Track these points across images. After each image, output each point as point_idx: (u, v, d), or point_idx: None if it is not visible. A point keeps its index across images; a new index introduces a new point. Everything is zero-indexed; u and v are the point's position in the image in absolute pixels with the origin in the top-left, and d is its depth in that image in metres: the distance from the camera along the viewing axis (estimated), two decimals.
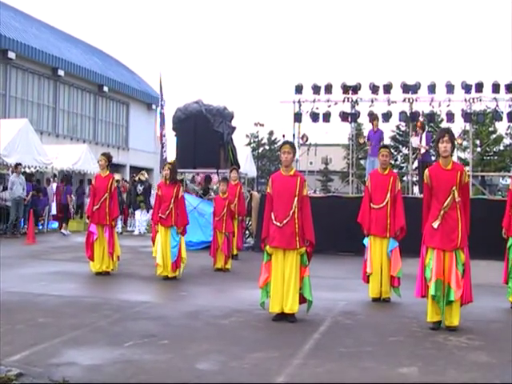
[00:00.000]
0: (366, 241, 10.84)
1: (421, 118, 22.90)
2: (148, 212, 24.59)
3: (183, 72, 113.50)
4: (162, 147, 22.88)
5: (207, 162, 21.22)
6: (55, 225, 26.95)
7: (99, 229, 13.29)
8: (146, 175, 26.63)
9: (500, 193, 30.76)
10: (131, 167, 46.06)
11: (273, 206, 8.98)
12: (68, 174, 27.97)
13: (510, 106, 22.01)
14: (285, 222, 8.81)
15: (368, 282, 10.79)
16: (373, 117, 21.86)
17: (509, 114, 22.20)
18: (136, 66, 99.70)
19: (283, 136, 27.53)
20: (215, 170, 21.46)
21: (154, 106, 49.74)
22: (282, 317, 8.80)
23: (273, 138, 73.17)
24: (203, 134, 21.42)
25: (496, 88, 21.62)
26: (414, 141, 21.52)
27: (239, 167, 21.27)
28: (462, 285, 8.32)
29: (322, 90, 22.70)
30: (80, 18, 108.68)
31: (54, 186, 27.05)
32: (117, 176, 22.66)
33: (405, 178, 26.47)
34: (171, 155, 22.44)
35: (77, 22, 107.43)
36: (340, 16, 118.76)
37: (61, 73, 39.51)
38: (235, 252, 16.19)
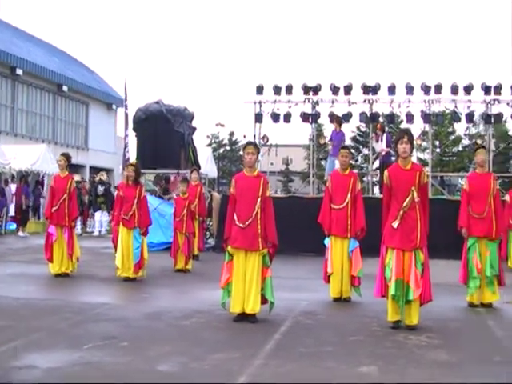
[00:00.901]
0: (327, 241, 10.89)
1: (381, 119, 23.08)
2: (108, 213, 24.42)
3: (144, 72, 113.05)
4: (125, 148, 22.76)
5: (168, 162, 21.17)
6: (13, 226, 26.60)
7: (58, 230, 13.14)
8: (106, 176, 26.43)
9: (459, 193, 31.01)
10: (91, 168, 45.62)
11: (236, 206, 8.98)
12: (25, 175, 27.61)
13: (468, 107, 22.31)
14: (247, 222, 8.82)
15: (329, 281, 10.85)
16: (335, 118, 21.96)
17: (467, 116, 22.51)
18: (96, 65, 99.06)
19: (244, 137, 27.62)
20: (176, 171, 21.39)
21: (114, 106, 49.36)
22: (243, 317, 8.80)
23: (234, 139, 73.03)
24: (164, 135, 21.36)
25: (455, 90, 21.89)
26: (377, 145, 21.63)
27: (200, 168, 21.23)
28: (421, 284, 8.41)
29: (283, 91, 22.75)
30: (40, 17, 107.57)
31: (13, 186, 26.68)
32: (76, 177, 22.42)
33: (365, 179, 26.62)
34: (133, 156, 22.33)
35: (37, 21, 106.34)
36: (300, 17, 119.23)
37: (19, 72, 39.00)
38: (196, 253, 16.17)
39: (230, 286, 8.90)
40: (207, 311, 9.48)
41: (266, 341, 7.68)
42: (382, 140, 20.85)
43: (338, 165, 11.41)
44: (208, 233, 21.04)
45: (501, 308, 10.36)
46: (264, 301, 8.94)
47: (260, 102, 23.13)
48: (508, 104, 22.20)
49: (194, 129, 22.93)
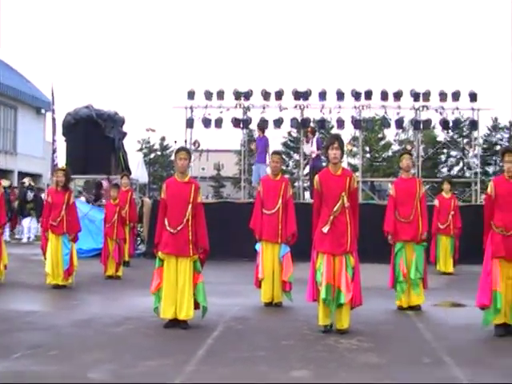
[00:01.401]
0: (258, 246, 10.92)
1: (312, 125, 23.27)
2: (38, 219, 24.00)
3: (73, 76, 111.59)
4: (53, 153, 22.43)
5: (98, 167, 20.94)
6: None
7: None
8: (32, 181, 25.97)
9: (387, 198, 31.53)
10: (19, 173, 44.79)
11: (166, 212, 8.94)
12: None
13: (397, 113, 22.70)
14: (178, 228, 8.78)
15: (260, 286, 10.88)
16: (258, 124, 22.07)
17: (397, 122, 22.89)
18: (25, 68, 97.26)
19: (175, 142, 27.49)
20: (106, 176, 21.17)
21: (43, 111, 48.56)
22: (175, 323, 8.76)
23: (165, 144, 72.59)
24: (94, 140, 21.15)
25: (384, 96, 22.24)
26: (306, 147, 21.83)
27: (130, 173, 21.10)
28: (351, 288, 8.49)
29: (214, 96, 22.76)
30: None
31: None
32: (4, 182, 21.99)
33: (296, 184, 26.80)
34: (62, 161, 22.01)
35: None
36: (230, 22, 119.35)
37: None
38: (127, 259, 16.02)
39: (161, 292, 8.85)
40: (138, 317, 9.40)
41: (198, 346, 7.65)
42: (312, 143, 21.05)
43: (263, 171, 11.46)
44: (139, 239, 20.87)
45: (429, 310, 10.54)
46: (196, 306, 8.91)
47: (191, 107, 23.08)
48: (436, 110, 22.67)
49: (125, 134, 22.76)
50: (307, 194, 23.35)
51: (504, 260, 8.51)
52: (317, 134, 22.00)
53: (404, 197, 10.70)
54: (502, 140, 76.01)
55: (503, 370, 6.95)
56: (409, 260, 10.54)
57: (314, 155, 20.84)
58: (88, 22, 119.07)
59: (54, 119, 23.33)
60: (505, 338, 8.41)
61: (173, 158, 9.51)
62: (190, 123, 23.11)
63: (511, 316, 8.53)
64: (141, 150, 67.63)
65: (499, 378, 6.65)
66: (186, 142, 23.08)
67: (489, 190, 8.85)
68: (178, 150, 9.27)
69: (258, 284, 10.93)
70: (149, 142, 69.27)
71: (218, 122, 22.93)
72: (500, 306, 8.41)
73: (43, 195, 23.67)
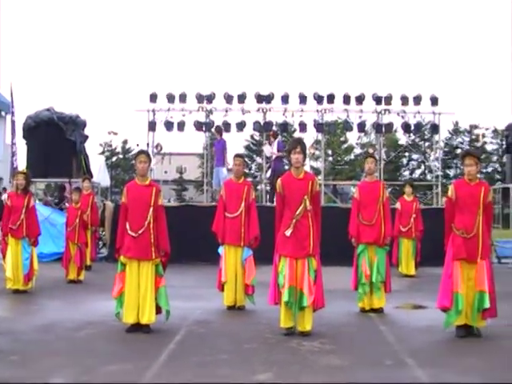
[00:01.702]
0: (221, 249, 10.91)
1: (274, 128, 23.30)
2: None
3: (34, 78, 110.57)
4: (13, 156, 22.17)
5: (59, 171, 20.74)
6: None
7: None
8: None
9: (351, 201, 31.75)
10: None
11: (128, 215, 8.89)
12: None
13: (360, 117, 22.80)
14: (140, 232, 8.75)
15: (223, 290, 10.86)
16: (216, 127, 22.06)
17: (359, 125, 23.00)
18: None
19: (137, 145, 27.34)
20: (67, 180, 20.98)
21: (2, 113, 48.02)
22: (137, 328, 8.71)
23: (127, 147, 72.25)
24: (55, 143, 20.93)
25: (347, 99, 22.34)
26: (267, 149, 21.87)
27: (92, 176, 20.95)
28: (314, 291, 8.52)
29: (177, 99, 22.64)
30: None
31: None
32: None
33: (259, 187, 26.81)
34: (22, 164, 21.78)
35: None
36: (192, 26, 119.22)
37: None
38: (88, 263, 15.90)
39: (123, 297, 8.79)
40: (100, 322, 9.33)
41: (160, 351, 7.61)
42: (273, 146, 21.08)
43: (224, 173, 11.46)
44: (101, 242, 20.73)
45: (392, 313, 10.60)
46: (158, 310, 8.87)
47: (153, 110, 22.94)
48: (398, 114, 22.82)
49: (87, 137, 22.57)
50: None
51: (465, 262, 8.60)
52: (279, 137, 22.06)
53: (367, 200, 10.76)
54: (462, 143, 76.93)
55: (464, 370, 7.02)
56: (371, 263, 10.60)
57: (274, 157, 20.88)
58: (48, 23, 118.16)
59: (13, 122, 23.04)
60: (466, 339, 8.50)
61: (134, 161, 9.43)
62: (152, 126, 22.99)
63: (472, 317, 8.62)
64: (103, 153, 67.21)
65: (460, 378, 6.72)
66: (148, 145, 22.94)
67: (449, 193, 8.94)
68: (138, 154, 9.23)
69: (221, 287, 10.90)
70: (111, 145, 68.87)
71: (181, 125, 22.83)
72: (461, 308, 8.49)
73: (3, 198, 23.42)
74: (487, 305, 8.52)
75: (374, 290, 10.61)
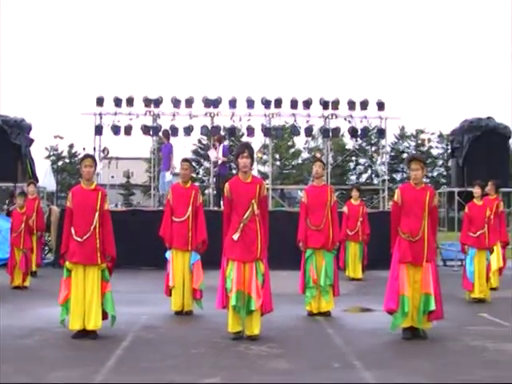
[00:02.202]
0: (168, 254, 10.86)
1: (222, 132, 23.28)
2: None
3: None
4: None
5: (4, 175, 20.41)
6: None
7: None
8: None
9: (298, 205, 31.85)
10: None
11: (73, 220, 8.79)
12: None
13: (307, 121, 22.91)
14: (85, 237, 8.66)
15: (170, 295, 10.81)
16: (163, 131, 21.97)
17: (306, 129, 23.11)
18: None
19: (84, 149, 26.94)
20: (12, 184, 20.67)
21: None
22: (83, 334, 8.62)
23: (73, 151, 71.46)
24: None
25: (294, 104, 22.43)
26: (212, 154, 21.85)
27: (37, 181, 20.65)
28: (261, 295, 8.53)
29: (124, 103, 22.46)
30: None
31: None
32: None
33: (206, 192, 26.76)
34: None
35: None
36: (138, 29, 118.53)
37: None
38: (34, 269, 15.65)
39: (69, 303, 8.69)
40: (46, 329, 9.20)
41: (108, 357, 7.53)
42: (218, 150, 21.08)
43: (168, 177, 11.40)
44: (46, 248, 20.44)
45: (339, 316, 10.67)
46: (104, 316, 8.79)
47: (100, 114, 22.72)
48: (345, 119, 22.99)
49: (32, 140, 22.25)
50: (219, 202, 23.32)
51: (411, 265, 8.71)
52: (225, 141, 22.05)
53: (315, 204, 10.79)
54: (408, 148, 77.88)
55: (410, 371, 7.11)
56: (319, 267, 10.65)
57: (219, 161, 20.88)
58: None
59: None
60: (412, 341, 8.61)
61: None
62: (98, 130, 22.77)
63: (418, 319, 8.73)
64: (48, 157, 66.39)
65: (406, 379, 6.79)
66: (94, 149, 22.72)
67: (395, 197, 9.04)
68: (84, 158, 9.16)
69: (168, 292, 10.85)
70: (57, 150, 68.10)
71: (128, 129, 22.66)
72: (407, 310, 8.59)
73: None
74: (433, 307, 8.64)
75: (322, 294, 10.66)
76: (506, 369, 7.14)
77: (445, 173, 73.33)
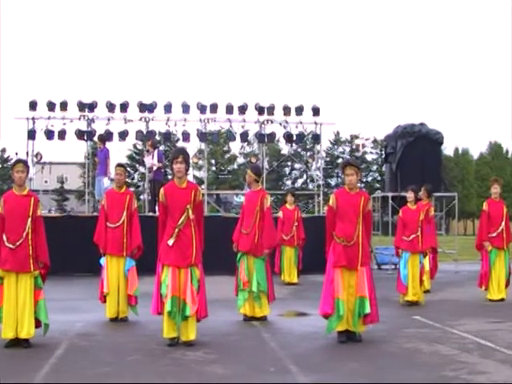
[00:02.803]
0: (103, 260, 10.75)
1: (157, 137, 23.13)
2: None
3: None
4: None
5: None
6: None
7: None
8: None
9: (234, 210, 31.99)
10: None
11: (5, 227, 8.62)
12: None
13: (242, 126, 22.94)
14: (18, 243, 8.51)
15: (105, 301, 10.70)
16: (99, 136, 21.71)
17: (242, 135, 23.13)
18: None
19: (16, 154, 26.51)
20: None
21: None
22: (16, 342, 8.46)
23: (6, 156, 70.30)
24: None
25: (230, 109, 22.43)
26: (148, 160, 21.68)
27: None
28: (197, 300, 8.50)
29: (58, 107, 22.13)
30: None
31: None
32: None
33: (142, 197, 26.58)
34: None
35: None
36: (71, 32, 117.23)
37: None
38: None
39: (1, 311, 8.51)
40: None
41: (41, 366, 7.41)
42: (152, 156, 20.97)
43: (106, 183, 11.28)
44: None
45: (275, 321, 10.71)
46: (37, 324, 8.64)
47: (33, 118, 22.34)
48: (280, 124, 23.09)
49: None
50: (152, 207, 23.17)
51: (345, 269, 8.79)
52: (159, 146, 21.91)
53: (249, 208, 10.84)
54: (343, 153, 78.79)
55: (346, 374, 7.17)
56: (251, 271, 10.66)
57: (154, 168, 20.78)
58: None
59: None
60: (347, 344, 8.68)
61: None
62: (31, 135, 22.38)
63: (353, 323, 8.81)
64: None
65: (342, 382, 6.83)
66: (27, 154, 22.31)
67: (330, 201, 9.12)
68: (16, 163, 8.98)
69: (103, 299, 10.74)
70: None
71: (62, 134, 22.32)
72: (342, 313, 8.66)
73: None
74: (368, 310, 8.74)
75: (254, 300, 10.67)
76: (438, 369, 7.25)
77: (379, 178, 74.46)
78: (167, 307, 8.42)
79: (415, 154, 21.16)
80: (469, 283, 16.01)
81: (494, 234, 13.18)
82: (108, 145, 21.43)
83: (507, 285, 13.29)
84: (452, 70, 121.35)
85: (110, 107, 22.18)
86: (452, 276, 18.90)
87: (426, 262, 13.79)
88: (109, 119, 22.36)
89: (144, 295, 10.45)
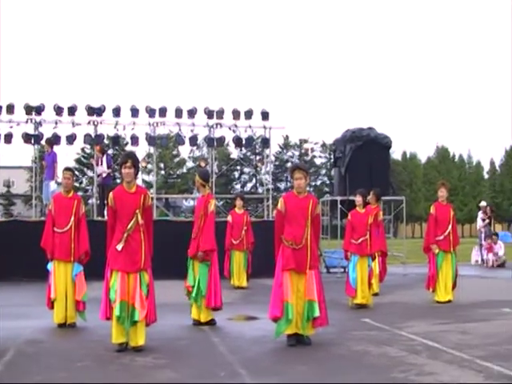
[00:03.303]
0: (50, 265, 10.63)
1: (106, 141, 22.95)
2: None
3: None
4: None
5: None
6: None
7: None
8: None
9: (183, 214, 31.94)
10: None
11: None
12: None
13: (192, 130, 22.88)
14: None
15: (53, 307, 10.58)
16: (46, 139, 21.46)
17: (191, 139, 23.08)
18: None
19: None
20: None
21: None
22: None
23: None
24: None
25: (179, 113, 22.37)
26: (99, 169, 21.46)
27: None
28: (146, 305, 8.47)
29: (4, 110, 21.79)
30: None
31: None
32: None
33: (90, 201, 26.34)
34: None
35: None
36: (15, 39, 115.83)
37: None
38: None
39: None
40: None
41: None
42: (101, 162, 20.81)
43: (52, 187, 11.16)
44: None
45: (224, 325, 10.70)
46: None
47: None
48: (230, 128, 23.09)
49: None
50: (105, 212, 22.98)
51: (294, 272, 8.83)
52: (107, 151, 21.74)
53: (196, 213, 10.97)
54: (292, 157, 79.28)
55: (294, 377, 7.20)
56: (195, 276, 10.66)
57: (104, 174, 20.62)
58: None
59: None
60: (297, 348, 8.72)
61: None
62: None
63: (302, 326, 8.85)
64: None
65: None
66: None
67: (279, 205, 9.15)
68: None
69: (51, 305, 10.62)
70: None
71: (8, 137, 21.96)
72: (291, 317, 8.69)
73: None
74: (317, 313, 8.79)
75: (197, 304, 10.65)
76: (387, 371, 7.33)
77: (328, 182, 75.03)
78: (116, 312, 8.36)
79: (364, 158, 21.35)
80: (417, 286, 16.23)
81: (441, 237, 13.38)
82: (56, 148, 21.20)
83: (454, 287, 13.49)
84: (399, 74, 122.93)
85: (58, 110, 21.92)
86: (400, 279, 19.13)
87: (376, 265, 13.93)
88: (56, 122, 22.07)
89: (92, 300, 10.36)
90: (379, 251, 14.16)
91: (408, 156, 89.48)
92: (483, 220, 26.08)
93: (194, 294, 10.57)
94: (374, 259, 13.24)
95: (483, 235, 25.55)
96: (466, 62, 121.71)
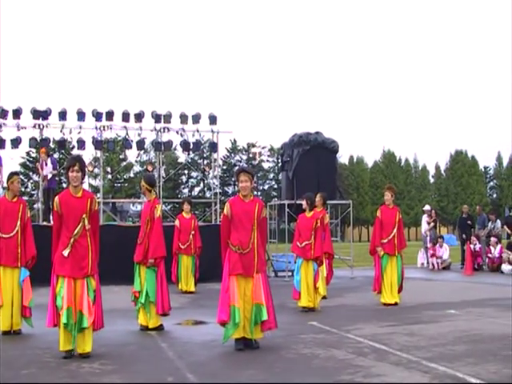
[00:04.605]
0: None
1: (52, 145, 22.69)
2: None
3: None
4: None
5: None
6: None
7: None
8: None
9: (131, 219, 31.72)
10: None
11: None
12: None
13: (139, 134, 22.82)
14: None
15: None
16: None
17: (138, 143, 23.00)
18: None
19: None
20: None
21: None
22: None
23: None
24: None
25: (126, 117, 22.28)
26: (46, 171, 21.22)
27: None
28: (93, 311, 8.39)
29: None
30: None
31: None
32: None
33: (35, 206, 26.00)
34: None
35: None
36: None
37: None
38: None
39: None
40: None
41: None
42: (46, 164, 20.58)
43: None
44: None
45: (172, 330, 10.68)
46: None
47: None
48: (177, 132, 23.10)
49: None
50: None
51: (241, 276, 8.84)
52: (52, 154, 21.49)
53: (142, 218, 11.01)
54: (240, 161, 79.43)
55: (242, 381, 7.19)
56: (142, 281, 10.63)
57: (49, 176, 20.40)
58: None
59: None
60: (245, 352, 8.74)
61: None
62: None
63: (250, 330, 8.87)
64: None
65: None
66: None
67: (225, 210, 9.15)
68: None
69: None
70: None
71: None
72: (238, 321, 8.71)
73: None
74: (265, 317, 8.82)
75: (145, 310, 10.61)
76: (335, 374, 7.39)
77: (276, 186, 75.30)
78: (63, 319, 8.26)
79: (311, 162, 21.47)
80: (364, 288, 16.41)
81: (386, 240, 13.56)
82: (0, 152, 20.91)
83: (400, 290, 13.66)
84: (346, 79, 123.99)
85: (2, 113, 21.60)
86: (348, 282, 19.31)
87: (323, 268, 14.00)
88: (1, 126, 21.76)
89: (38, 307, 10.23)
90: (326, 253, 14.24)
91: (355, 160, 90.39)
92: (428, 223, 26.44)
93: (142, 300, 10.54)
94: (320, 265, 13.20)
95: (428, 238, 25.91)
96: (410, 67, 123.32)
